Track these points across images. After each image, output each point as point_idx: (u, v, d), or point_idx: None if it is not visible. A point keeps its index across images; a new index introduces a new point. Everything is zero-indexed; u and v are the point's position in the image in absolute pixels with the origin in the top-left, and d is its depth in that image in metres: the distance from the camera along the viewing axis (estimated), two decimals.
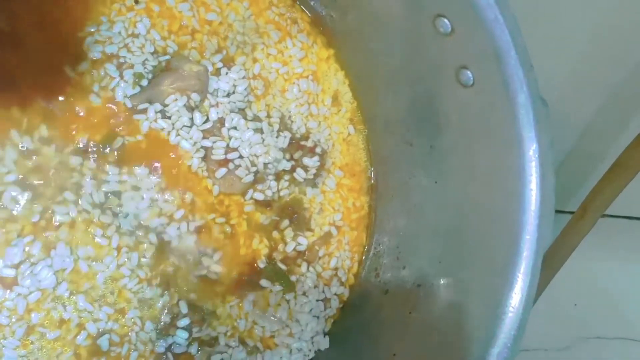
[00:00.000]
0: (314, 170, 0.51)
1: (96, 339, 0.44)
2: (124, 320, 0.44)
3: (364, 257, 0.53)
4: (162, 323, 0.45)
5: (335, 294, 0.52)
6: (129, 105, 0.45)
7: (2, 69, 0.42)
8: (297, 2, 0.52)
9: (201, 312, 0.46)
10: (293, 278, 0.50)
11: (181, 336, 0.46)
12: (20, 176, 0.42)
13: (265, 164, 0.49)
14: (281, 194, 0.50)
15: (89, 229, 0.43)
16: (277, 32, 0.50)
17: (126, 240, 0.44)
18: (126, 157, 0.45)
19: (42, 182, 0.42)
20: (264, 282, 0.49)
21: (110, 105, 0.44)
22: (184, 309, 0.46)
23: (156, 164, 0.45)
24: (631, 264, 0.71)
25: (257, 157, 0.48)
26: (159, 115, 0.45)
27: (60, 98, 0.43)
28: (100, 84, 0.44)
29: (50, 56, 0.43)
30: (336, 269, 0.52)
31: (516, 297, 0.37)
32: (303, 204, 0.51)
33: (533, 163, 0.37)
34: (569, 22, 0.63)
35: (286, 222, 0.50)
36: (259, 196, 0.49)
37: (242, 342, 0.48)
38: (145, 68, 0.45)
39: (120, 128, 0.45)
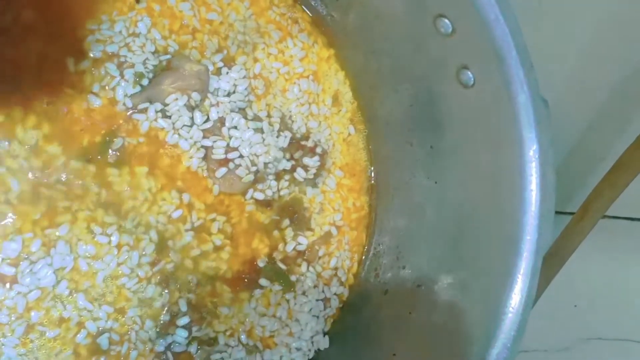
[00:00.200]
0: (314, 170, 0.51)
1: (96, 337, 0.44)
2: (123, 319, 0.44)
3: (363, 257, 0.53)
4: (161, 322, 0.45)
5: (335, 294, 0.52)
6: (130, 104, 0.45)
7: (3, 69, 0.42)
8: (298, 2, 0.52)
9: (201, 311, 0.46)
10: (293, 278, 0.50)
11: (181, 335, 0.46)
12: (21, 175, 0.42)
13: (266, 164, 0.49)
14: (281, 193, 0.50)
15: (89, 228, 0.43)
16: (277, 31, 0.50)
17: (126, 239, 0.44)
18: (126, 156, 0.45)
19: (42, 180, 0.42)
20: (263, 282, 0.49)
21: (110, 104, 0.44)
22: (183, 307, 0.46)
23: (156, 164, 0.45)
24: (632, 266, 0.70)
25: (257, 156, 0.48)
26: (160, 114, 0.45)
27: (61, 97, 0.43)
28: (100, 83, 0.44)
29: (51, 55, 0.43)
30: (336, 268, 0.52)
31: (516, 298, 0.37)
32: (303, 203, 0.51)
33: (533, 163, 0.37)
34: (569, 22, 0.63)
35: (286, 221, 0.50)
36: (259, 196, 0.49)
37: (242, 341, 0.48)
38: (145, 67, 0.45)
39: (121, 127, 0.45)
